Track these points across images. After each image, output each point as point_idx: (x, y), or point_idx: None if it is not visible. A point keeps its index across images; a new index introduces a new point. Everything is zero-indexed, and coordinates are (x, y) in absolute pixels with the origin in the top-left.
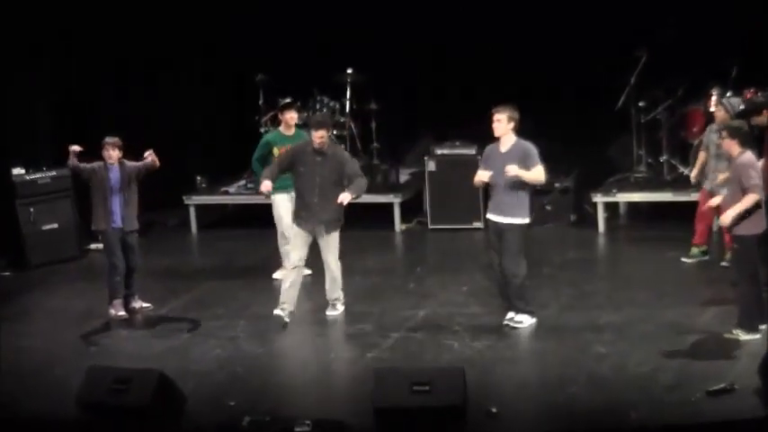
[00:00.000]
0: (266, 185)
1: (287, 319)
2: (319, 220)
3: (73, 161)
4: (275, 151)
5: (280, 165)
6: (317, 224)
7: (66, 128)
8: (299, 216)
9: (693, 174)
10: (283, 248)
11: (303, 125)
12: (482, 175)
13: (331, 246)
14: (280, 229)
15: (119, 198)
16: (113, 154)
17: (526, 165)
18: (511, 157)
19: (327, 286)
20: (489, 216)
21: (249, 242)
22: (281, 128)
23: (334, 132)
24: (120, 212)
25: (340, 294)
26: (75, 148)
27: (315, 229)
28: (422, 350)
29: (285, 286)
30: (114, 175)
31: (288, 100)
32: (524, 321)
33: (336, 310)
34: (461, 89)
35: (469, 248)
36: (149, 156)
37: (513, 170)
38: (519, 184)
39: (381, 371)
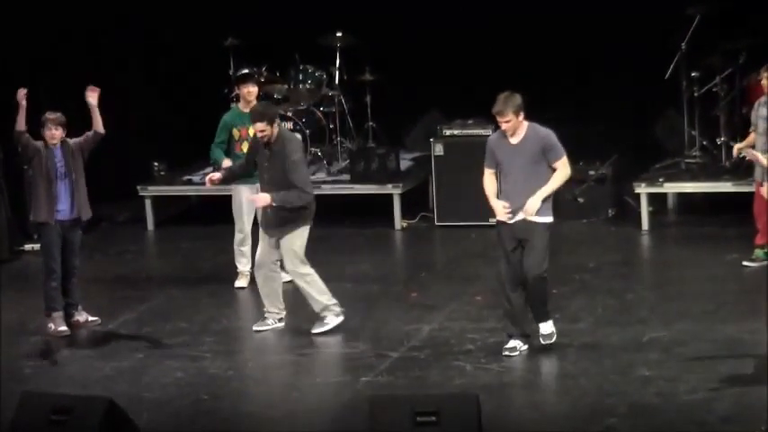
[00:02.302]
0: (214, 175)
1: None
2: (267, 224)
3: (21, 124)
4: (235, 133)
5: (248, 158)
6: (267, 229)
7: None
8: (261, 218)
9: (737, 146)
10: (239, 249)
11: (283, 100)
12: (500, 209)
13: (286, 252)
14: (238, 227)
15: (66, 184)
16: (56, 133)
17: (547, 158)
18: (526, 149)
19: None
20: (502, 220)
21: (217, 242)
22: (240, 104)
23: (322, 109)
24: (68, 201)
25: (325, 304)
26: (22, 94)
27: (269, 233)
28: (427, 373)
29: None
30: (58, 158)
31: (245, 71)
32: (553, 332)
33: (325, 324)
34: (475, 57)
35: (484, 250)
36: (91, 94)
37: (532, 208)
38: (542, 184)
39: (378, 398)
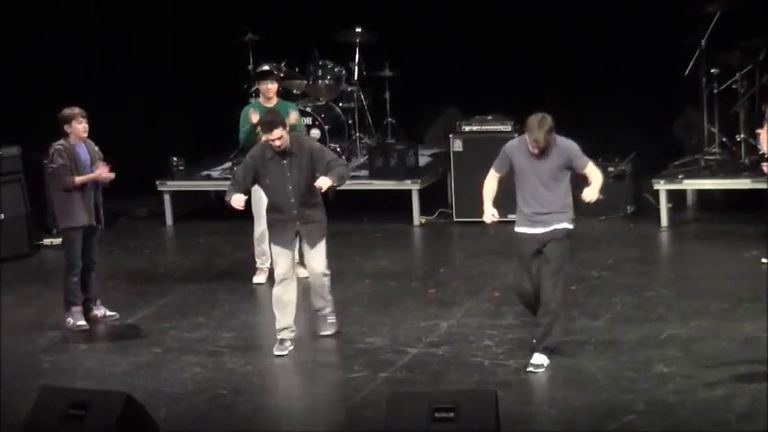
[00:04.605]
0: (238, 200)
1: (289, 347)
2: (301, 230)
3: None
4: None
5: (245, 179)
6: (300, 232)
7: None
8: (276, 232)
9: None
10: (260, 247)
11: (302, 95)
12: (490, 208)
13: (321, 252)
14: (258, 224)
15: (90, 185)
16: (86, 125)
17: (575, 167)
18: (549, 161)
19: (312, 296)
20: (522, 230)
21: (235, 237)
22: (261, 99)
23: (341, 105)
24: (92, 202)
25: (326, 302)
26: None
27: (295, 239)
28: (445, 369)
29: (278, 307)
30: (85, 154)
31: (265, 68)
32: (544, 363)
33: (332, 327)
34: (493, 53)
35: (503, 246)
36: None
37: (592, 195)
38: (564, 192)
39: (396, 394)
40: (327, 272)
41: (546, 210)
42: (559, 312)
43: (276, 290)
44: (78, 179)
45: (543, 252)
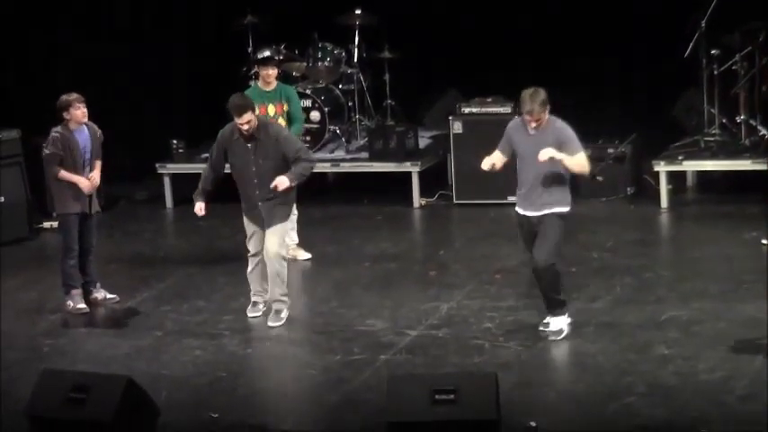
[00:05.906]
0: (199, 208)
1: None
2: (263, 211)
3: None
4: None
5: (212, 164)
6: (262, 212)
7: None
8: (245, 214)
9: None
10: None
11: (302, 78)
12: (492, 159)
13: (279, 233)
14: None
15: (89, 168)
16: (85, 111)
17: (564, 151)
18: (542, 141)
19: (269, 285)
20: (518, 210)
21: (235, 220)
22: (260, 83)
23: (340, 87)
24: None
25: (281, 295)
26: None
27: (260, 218)
28: (445, 352)
29: (249, 274)
30: (84, 140)
31: (266, 54)
32: (562, 330)
33: (279, 320)
34: (494, 34)
35: (503, 228)
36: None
37: (548, 153)
38: (557, 173)
39: (396, 377)
40: (281, 252)
41: (535, 194)
42: (557, 279)
43: (248, 267)
44: (62, 174)
45: (538, 233)
